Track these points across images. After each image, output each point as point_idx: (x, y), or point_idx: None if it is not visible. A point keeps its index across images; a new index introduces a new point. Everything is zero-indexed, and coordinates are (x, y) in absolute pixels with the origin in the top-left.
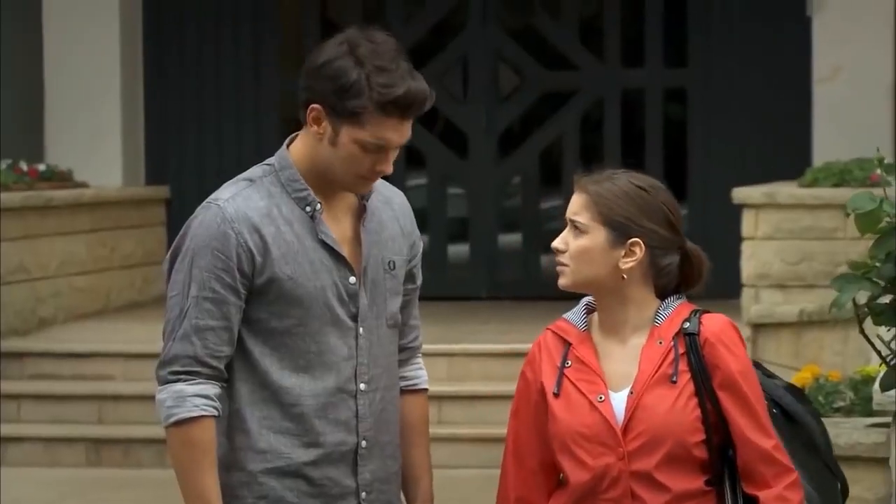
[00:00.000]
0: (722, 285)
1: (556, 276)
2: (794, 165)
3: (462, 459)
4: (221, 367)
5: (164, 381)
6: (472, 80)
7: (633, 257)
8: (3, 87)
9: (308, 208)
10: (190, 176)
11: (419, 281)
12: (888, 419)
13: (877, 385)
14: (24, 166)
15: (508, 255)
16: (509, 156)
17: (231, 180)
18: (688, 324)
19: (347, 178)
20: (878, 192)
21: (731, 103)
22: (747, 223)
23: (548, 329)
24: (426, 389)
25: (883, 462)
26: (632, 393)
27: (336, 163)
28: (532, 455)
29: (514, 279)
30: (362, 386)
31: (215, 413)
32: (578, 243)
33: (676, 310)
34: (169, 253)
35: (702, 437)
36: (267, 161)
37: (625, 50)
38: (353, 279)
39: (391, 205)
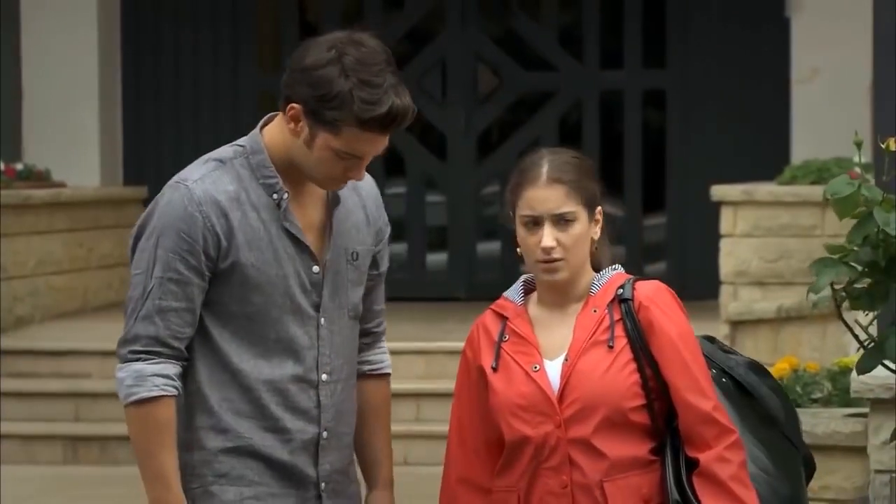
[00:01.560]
0: (701, 284)
1: (549, 274)
2: (773, 167)
3: (440, 457)
4: (182, 347)
5: (124, 360)
6: (451, 82)
7: (598, 225)
8: None
9: (275, 196)
10: (168, 177)
11: (384, 267)
12: (866, 409)
13: (854, 373)
14: (1, 166)
15: (488, 256)
16: (488, 157)
17: (201, 159)
18: (622, 290)
19: (318, 177)
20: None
21: (709, 104)
22: (726, 220)
23: (488, 308)
24: (389, 374)
25: (861, 451)
26: (566, 360)
27: (309, 162)
28: (474, 435)
29: (494, 281)
30: (324, 376)
31: (175, 392)
32: (572, 234)
33: (611, 279)
34: (135, 230)
35: (641, 401)
36: (239, 142)
37: (603, 51)
38: (316, 269)
39: (358, 191)
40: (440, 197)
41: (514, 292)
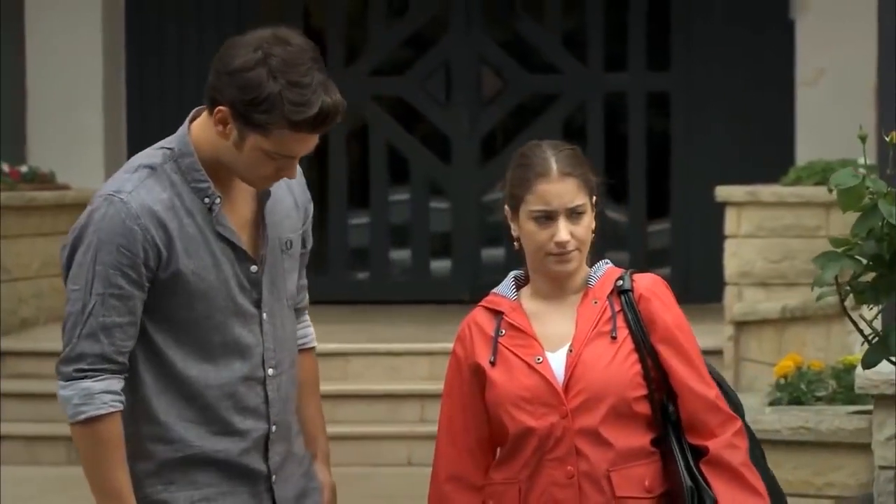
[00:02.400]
0: (705, 286)
1: (561, 265)
2: (777, 170)
3: None
4: (126, 360)
5: (68, 378)
6: (455, 84)
7: (594, 213)
8: None
9: (207, 200)
10: None
11: (309, 245)
12: (870, 406)
13: (859, 368)
14: (5, 168)
15: (493, 262)
16: (493, 160)
17: (129, 165)
18: (621, 282)
19: (250, 178)
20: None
21: (713, 107)
22: (730, 221)
23: (479, 306)
24: (314, 347)
25: (865, 448)
26: (571, 351)
27: (239, 164)
28: (465, 433)
29: (498, 283)
30: (270, 371)
31: (121, 407)
32: (584, 225)
33: (607, 272)
34: (68, 242)
35: (643, 391)
36: (166, 143)
37: (607, 54)
38: (254, 268)
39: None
40: (444, 203)
41: (505, 288)
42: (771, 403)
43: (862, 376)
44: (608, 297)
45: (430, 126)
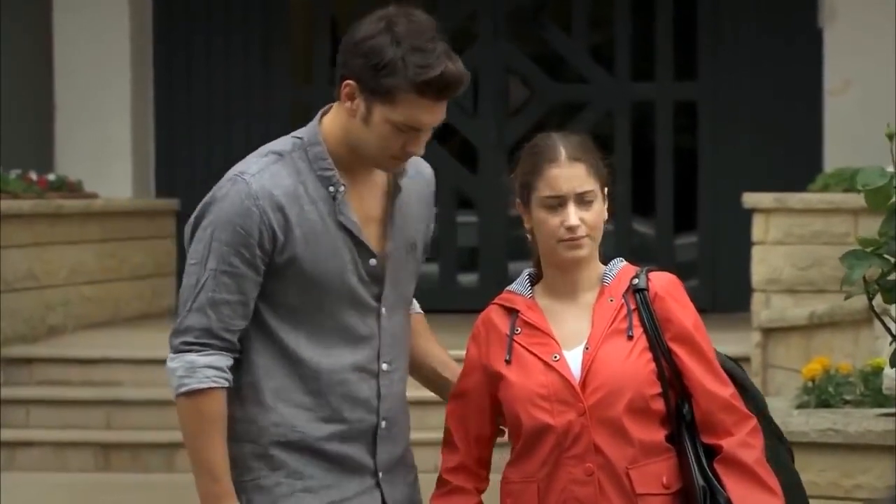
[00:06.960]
0: (733, 294)
1: (573, 250)
2: (804, 179)
3: None
4: (234, 339)
5: (176, 350)
6: (483, 94)
7: (606, 203)
8: (14, 97)
9: (331, 189)
10: (200, 188)
11: (428, 251)
12: None
13: (887, 370)
14: (33, 176)
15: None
16: None
17: (260, 150)
18: (637, 280)
19: (378, 157)
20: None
21: (741, 116)
22: (758, 228)
23: (493, 303)
24: (421, 313)
25: (893, 450)
26: (587, 348)
27: (367, 141)
28: (470, 431)
29: None
30: (384, 366)
31: (226, 384)
32: (595, 212)
33: (622, 270)
34: (192, 219)
35: (658, 389)
36: (297, 133)
37: (635, 63)
38: (373, 261)
39: (418, 181)
40: (472, 217)
41: (520, 285)
42: (799, 406)
43: (889, 377)
44: (623, 295)
45: (457, 136)
